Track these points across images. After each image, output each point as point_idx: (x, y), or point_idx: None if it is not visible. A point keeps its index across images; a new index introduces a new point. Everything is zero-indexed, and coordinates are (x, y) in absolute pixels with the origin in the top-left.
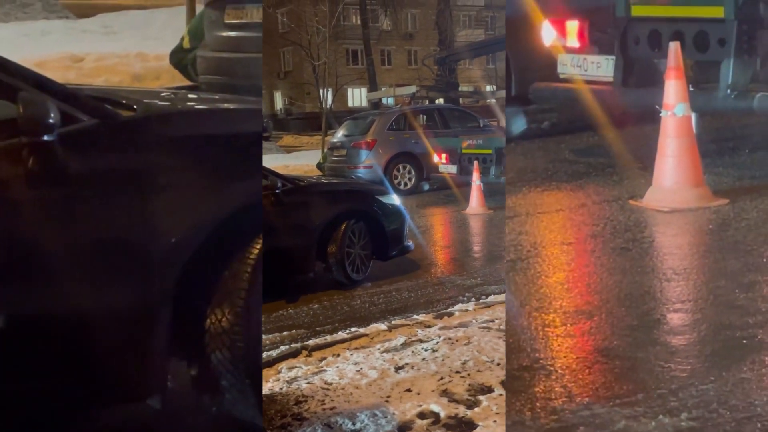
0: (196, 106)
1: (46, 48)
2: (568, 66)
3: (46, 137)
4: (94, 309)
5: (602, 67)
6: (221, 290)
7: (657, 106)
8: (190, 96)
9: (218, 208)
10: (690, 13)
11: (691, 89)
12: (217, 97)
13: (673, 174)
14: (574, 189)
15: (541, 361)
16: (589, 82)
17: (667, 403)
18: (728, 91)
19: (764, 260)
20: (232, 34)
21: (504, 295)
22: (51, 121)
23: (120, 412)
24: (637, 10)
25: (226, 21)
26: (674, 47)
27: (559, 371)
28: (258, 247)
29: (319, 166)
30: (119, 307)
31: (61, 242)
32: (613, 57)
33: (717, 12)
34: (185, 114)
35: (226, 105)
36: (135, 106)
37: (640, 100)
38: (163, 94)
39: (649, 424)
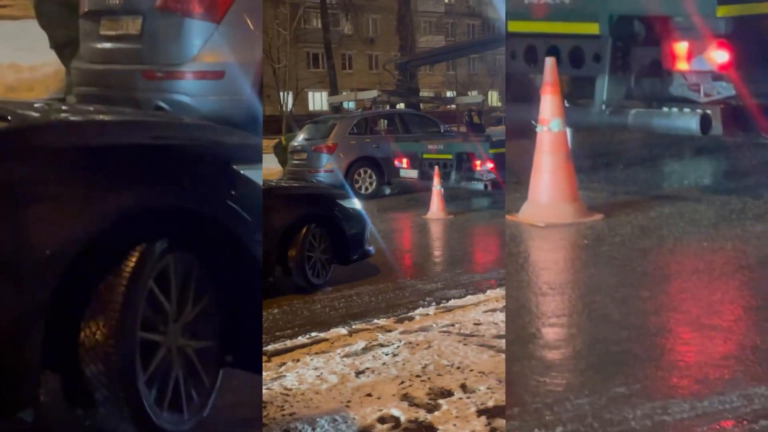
0: (71, 118)
1: None
2: None
3: None
4: None
5: None
6: (96, 303)
7: (533, 121)
8: (63, 107)
9: (93, 220)
10: (566, 29)
11: (567, 105)
12: (92, 108)
13: (548, 189)
14: None
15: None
16: None
17: (543, 417)
18: (603, 106)
19: (638, 275)
20: (108, 45)
21: (465, 298)
22: None
23: None
24: (513, 26)
25: (102, 32)
26: (550, 63)
27: None
28: (133, 260)
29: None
30: None
31: None
32: None
33: (592, 28)
34: (59, 125)
35: (101, 117)
36: (9, 117)
37: (516, 115)
38: (36, 105)
39: None
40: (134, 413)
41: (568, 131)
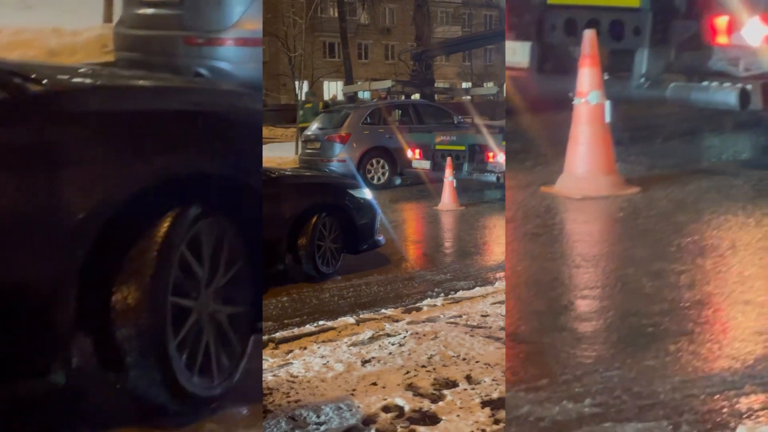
0: (106, 82)
1: None
2: None
3: None
4: None
5: (518, 53)
6: (128, 267)
7: (570, 94)
8: (101, 72)
9: (127, 184)
10: (606, 1)
11: (606, 77)
12: (129, 74)
13: (585, 161)
14: None
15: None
16: (505, 68)
17: (572, 389)
18: (642, 79)
19: (673, 249)
20: (149, 11)
21: (473, 290)
22: None
23: (22, 388)
24: None
25: None
26: (589, 35)
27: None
28: (166, 225)
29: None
30: (24, 281)
31: None
32: (530, 43)
33: (633, 1)
34: (94, 90)
35: (137, 82)
36: (44, 80)
37: (555, 87)
38: (80, 70)
39: (552, 409)
40: (164, 377)
41: (607, 104)
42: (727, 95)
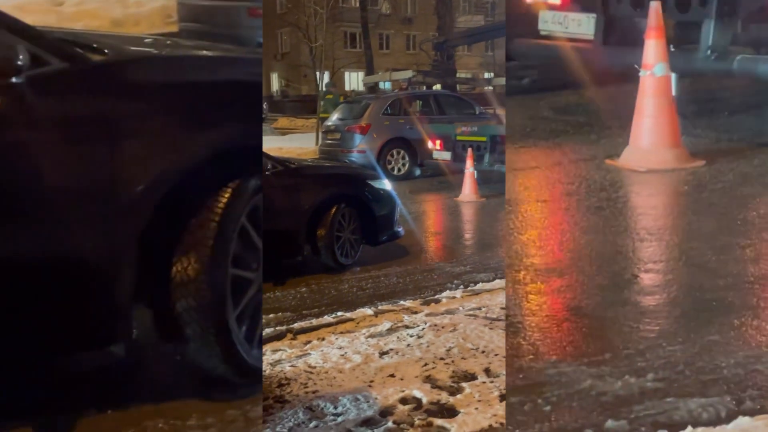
0: (169, 53)
1: None
2: (549, 23)
3: (14, 79)
4: (60, 254)
5: (583, 24)
6: (188, 239)
7: (636, 66)
8: (166, 42)
9: (188, 156)
10: None
11: (672, 49)
12: (192, 44)
13: (650, 134)
14: (551, 147)
15: (509, 318)
16: (569, 40)
17: (634, 364)
18: (708, 52)
19: (738, 223)
20: None
21: (493, 282)
22: (20, 63)
23: (84, 359)
24: None
25: None
26: (655, 7)
27: (527, 329)
28: (226, 196)
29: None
30: (85, 253)
31: (27, 186)
32: (595, 15)
33: None
34: (158, 60)
35: (203, 52)
36: (106, 50)
37: (620, 59)
38: (144, 40)
39: (615, 384)
40: (224, 349)
41: (673, 76)
42: None
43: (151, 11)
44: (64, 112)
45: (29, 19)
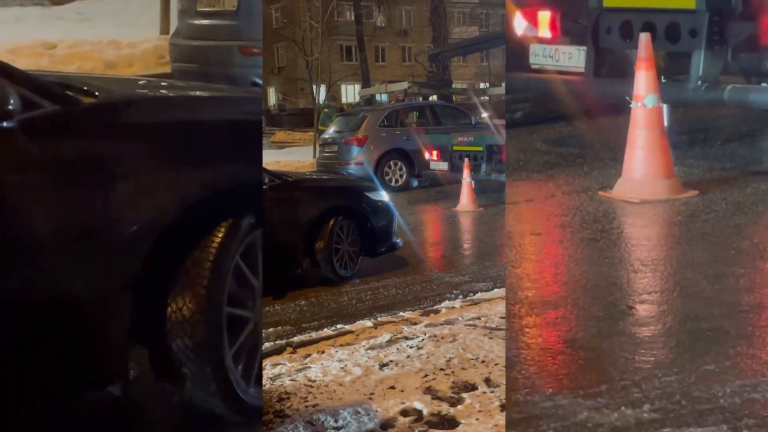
0: (159, 94)
1: (20, 35)
2: (540, 56)
3: (5, 123)
4: (54, 296)
5: (574, 57)
6: (183, 279)
7: (627, 97)
8: (158, 83)
9: (181, 195)
10: (662, 4)
11: (663, 80)
12: (184, 84)
13: (642, 165)
14: (544, 179)
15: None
16: (560, 73)
17: (630, 395)
18: (699, 82)
19: (732, 252)
20: (205, 22)
21: (492, 291)
22: (11, 107)
23: (80, 400)
24: (609, 1)
25: (199, 9)
26: (645, 38)
27: (523, 363)
28: (220, 235)
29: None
30: (80, 294)
31: (20, 229)
32: (585, 48)
33: (688, 3)
34: (150, 100)
35: (195, 93)
36: (97, 93)
37: (611, 91)
38: (135, 82)
39: (611, 416)
40: (221, 388)
41: (665, 107)
42: None
43: (144, 53)
44: (56, 154)
45: (22, 62)
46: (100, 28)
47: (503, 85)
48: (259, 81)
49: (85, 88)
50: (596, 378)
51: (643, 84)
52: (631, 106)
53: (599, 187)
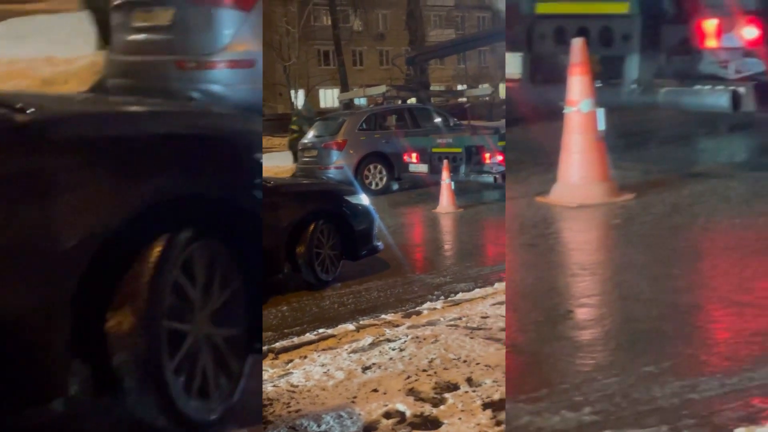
0: (94, 109)
1: None
2: None
3: None
4: None
5: (510, 63)
6: (122, 293)
7: (560, 103)
8: (90, 99)
9: (118, 210)
10: (595, 9)
11: (598, 85)
12: (120, 99)
13: (578, 170)
14: None
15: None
16: None
17: (571, 398)
18: (634, 85)
19: (669, 253)
20: (140, 36)
21: (473, 292)
22: None
23: (21, 417)
24: (542, 8)
25: (133, 24)
26: (578, 43)
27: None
28: (158, 249)
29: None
30: (19, 310)
31: None
32: (521, 54)
33: (621, 8)
34: (83, 116)
35: (130, 108)
36: (28, 110)
37: (547, 97)
38: (70, 98)
39: (552, 419)
40: (162, 402)
41: (599, 112)
42: (718, 98)
43: (80, 69)
44: None
45: None
46: (34, 45)
47: (480, 86)
48: (197, 95)
49: (18, 105)
50: (537, 382)
51: (577, 89)
52: (565, 111)
53: (536, 193)
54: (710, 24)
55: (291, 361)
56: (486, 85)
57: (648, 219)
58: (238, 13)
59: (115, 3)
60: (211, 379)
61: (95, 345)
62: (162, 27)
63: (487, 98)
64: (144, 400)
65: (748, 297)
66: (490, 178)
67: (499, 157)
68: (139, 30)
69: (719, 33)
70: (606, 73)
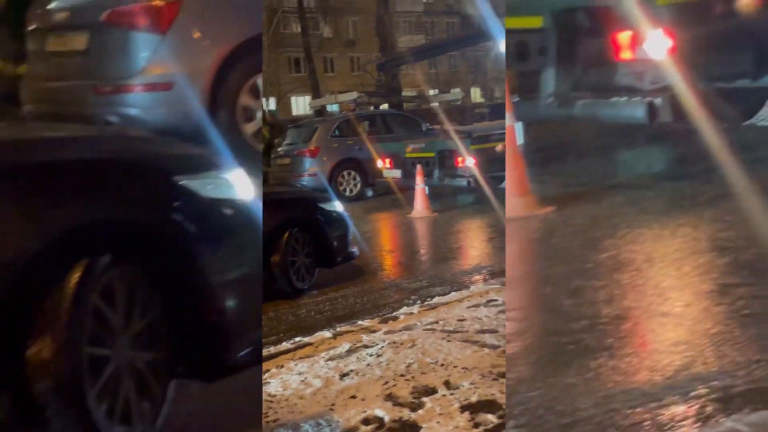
0: (9, 135)
1: None
2: None
3: None
4: None
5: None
6: (41, 320)
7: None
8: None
9: (35, 236)
10: (509, 24)
11: (516, 99)
12: (34, 126)
13: None
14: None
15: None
16: None
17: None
18: (551, 99)
19: (589, 266)
20: (55, 62)
21: (449, 295)
22: None
23: None
24: None
25: (48, 49)
26: None
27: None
28: (77, 275)
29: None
30: None
31: None
32: None
33: (536, 22)
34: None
35: (41, 133)
36: None
37: None
38: None
39: None
40: (85, 429)
41: (519, 125)
42: (634, 109)
43: None
44: None
45: None
46: None
47: (452, 90)
48: (115, 119)
49: None
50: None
51: None
52: None
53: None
54: (625, 36)
55: (268, 370)
56: (457, 90)
57: (568, 232)
58: (153, 36)
59: (30, 28)
60: (134, 404)
61: (17, 373)
62: (77, 51)
63: (458, 102)
64: (67, 427)
65: (668, 307)
66: (463, 182)
67: (472, 161)
68: (54, 55)
69: (633, 45)
70: (524, 87)
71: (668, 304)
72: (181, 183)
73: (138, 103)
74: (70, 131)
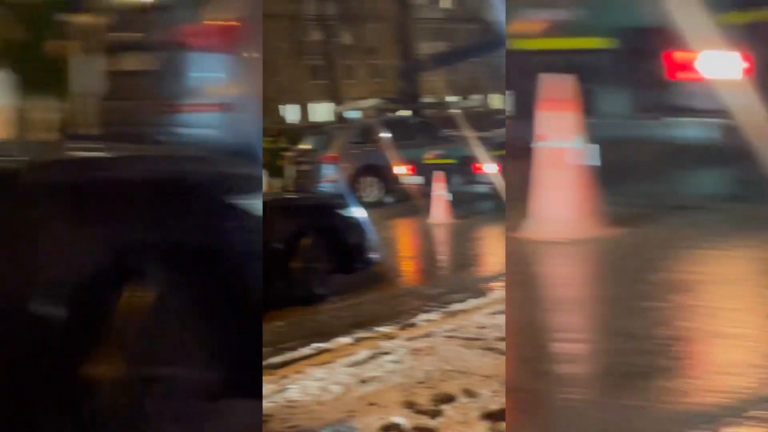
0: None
1: None
2: None
3: None
4: None
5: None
6: (100, 338)
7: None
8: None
9: (99, 255)
10: (571, 45)
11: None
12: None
13: (559, 205)
14: None
15: None
16: None
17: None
18: (615, 119)
19: (650, 286)
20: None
21: (468, 302)
22: None
23: None
24: (517, 43)
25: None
26: (564, 80)
27: None
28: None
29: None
30: None
31: None
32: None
33: (598, 43)
34: (54, 163)
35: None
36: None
37: (524, 132)
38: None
39: None
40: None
41: (581, 145)
42: (703, 130)
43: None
44: None
45: None
46: None
47: (471, 97)
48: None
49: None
50: (527, 419)
51: (555, 123)
52: (540, 145)
53: (511, 228)
54: (684, 56)
55: (287, 376)
56: (477, 96)
57: (630, 253)
58: (215, 57)
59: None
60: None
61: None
62: (141, 72)
63: (479, 109)
64: None
65: (726, 328)
66: (483, 189)
67: (492, 167)
68: (120, 74)
69: (704, 65)
70: (586, 106)
71: (726, 325)
72: (236, 203)
73: (197, 123)
74: (123, 151)
